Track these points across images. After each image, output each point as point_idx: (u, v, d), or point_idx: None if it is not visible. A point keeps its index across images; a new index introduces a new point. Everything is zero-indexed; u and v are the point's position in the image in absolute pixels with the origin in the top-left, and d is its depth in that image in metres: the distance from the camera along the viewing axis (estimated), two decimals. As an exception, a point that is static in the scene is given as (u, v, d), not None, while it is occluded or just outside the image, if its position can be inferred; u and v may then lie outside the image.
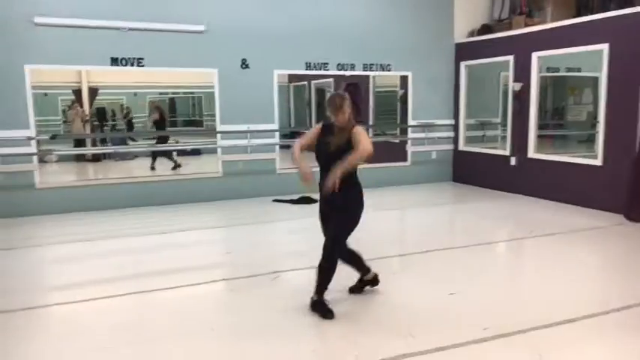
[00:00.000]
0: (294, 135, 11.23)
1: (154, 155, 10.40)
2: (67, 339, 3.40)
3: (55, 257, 5.39)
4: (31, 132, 6.96)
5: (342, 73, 8.80)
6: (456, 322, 3.56)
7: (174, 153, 10.52)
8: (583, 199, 7.21)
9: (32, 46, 6.85)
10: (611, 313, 3.67)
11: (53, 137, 7.93)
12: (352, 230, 3.75)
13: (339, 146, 3.59)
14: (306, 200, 7.64)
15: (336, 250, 3.66)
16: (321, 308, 3.64)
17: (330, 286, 3.71)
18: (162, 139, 10.63)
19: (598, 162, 7.04)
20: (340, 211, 3.65)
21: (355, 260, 3.99)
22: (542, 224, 6.36)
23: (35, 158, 7.11)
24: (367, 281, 4.12)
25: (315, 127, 3.84)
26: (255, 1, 8.01)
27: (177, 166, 10.04)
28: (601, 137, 6.97)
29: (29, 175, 7.05)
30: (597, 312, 3.68)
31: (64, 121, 13.06)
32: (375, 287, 4.13)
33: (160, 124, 10.66)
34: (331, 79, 10.81)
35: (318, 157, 3.75)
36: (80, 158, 11.83)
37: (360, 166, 3.63)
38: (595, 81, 7.54)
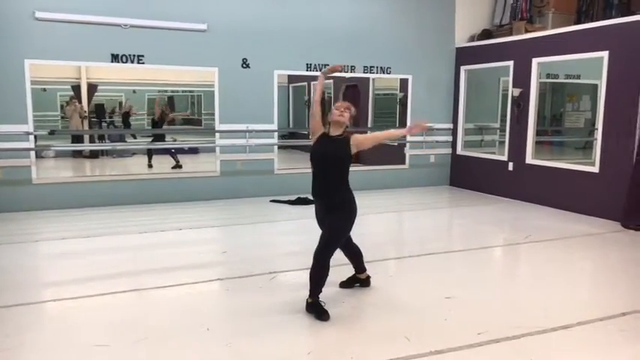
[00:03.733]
0: (292, 136, 11.25)
1: (150, 153, 10.39)
2: (61, 335, 3.39)
3: (51, 253, 5.37)
4: (29, 127, 6.95)
5: (342, 74, 8.80)
6: (450, 326, 3.56)
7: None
8: (580, 205, 7.23)
9: (33, 40, 6.84)
10: (607, 320, 3.67)
11: (51, 133, 7.91)
12: (346, 234, 3.82)
13: (336, 153, 3.69)
14: (304, 201, 7.64)
15: (328, 254, 3.66)
16: (316, 310, 3.64)
17: (325, 287, 3.72)
18: (159, 137, 10.59)
19: (595, 169, 7.06)
20: (334, 215, 3.70)
21: (355, 257, 4.12)
22: (538, 230, 6.37)
23: (33, 153, 7.07)
24: (359, 279, 4.24)
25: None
26: (257, 1, 8.02)
27: (178, 166, 10.03)
28: (599, 144, 7.00)
29: (26, 170, 7.02)
30: (592, 319, 3.68)
31: (62, 117, 13.03)
32: (366, 287, 4.23)
33: (157, 123, 10.64)
34: (331, 81, 10.84)
35: (313, 162, 3.78)
36: (78, 154, 11.81)
37: (355, 168, 3.66)
38: (594, 88, 7.57)
